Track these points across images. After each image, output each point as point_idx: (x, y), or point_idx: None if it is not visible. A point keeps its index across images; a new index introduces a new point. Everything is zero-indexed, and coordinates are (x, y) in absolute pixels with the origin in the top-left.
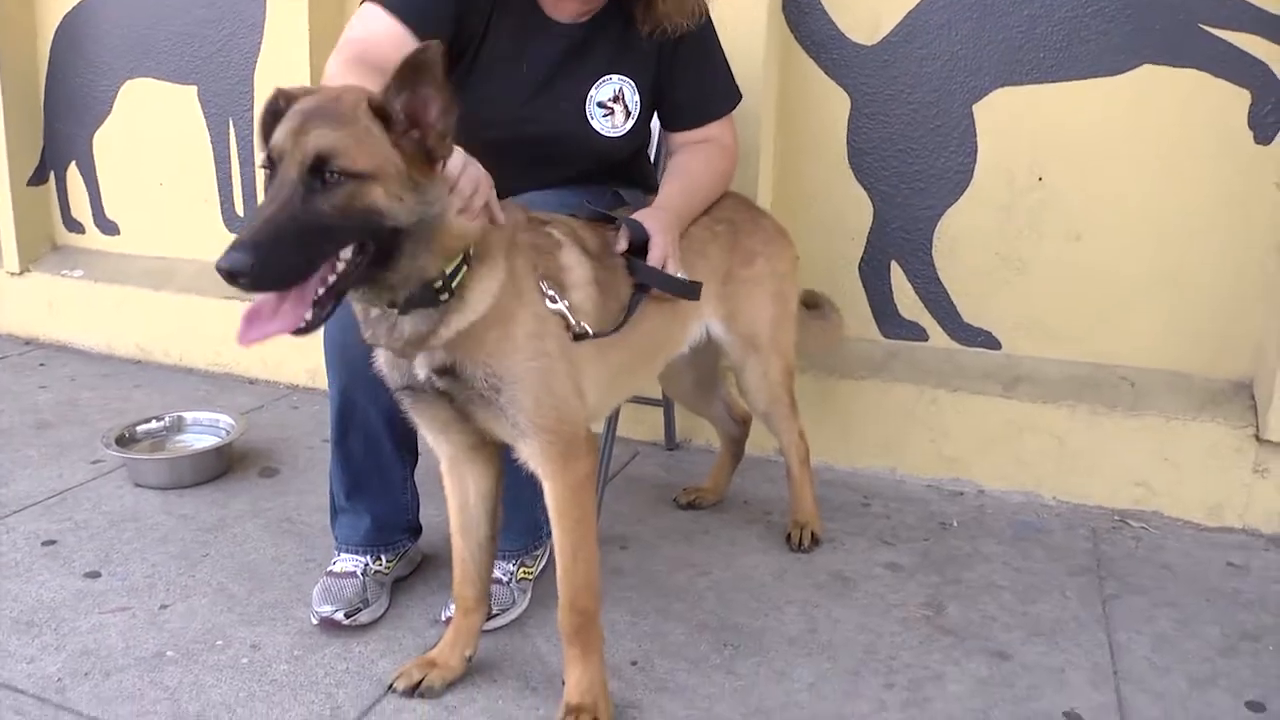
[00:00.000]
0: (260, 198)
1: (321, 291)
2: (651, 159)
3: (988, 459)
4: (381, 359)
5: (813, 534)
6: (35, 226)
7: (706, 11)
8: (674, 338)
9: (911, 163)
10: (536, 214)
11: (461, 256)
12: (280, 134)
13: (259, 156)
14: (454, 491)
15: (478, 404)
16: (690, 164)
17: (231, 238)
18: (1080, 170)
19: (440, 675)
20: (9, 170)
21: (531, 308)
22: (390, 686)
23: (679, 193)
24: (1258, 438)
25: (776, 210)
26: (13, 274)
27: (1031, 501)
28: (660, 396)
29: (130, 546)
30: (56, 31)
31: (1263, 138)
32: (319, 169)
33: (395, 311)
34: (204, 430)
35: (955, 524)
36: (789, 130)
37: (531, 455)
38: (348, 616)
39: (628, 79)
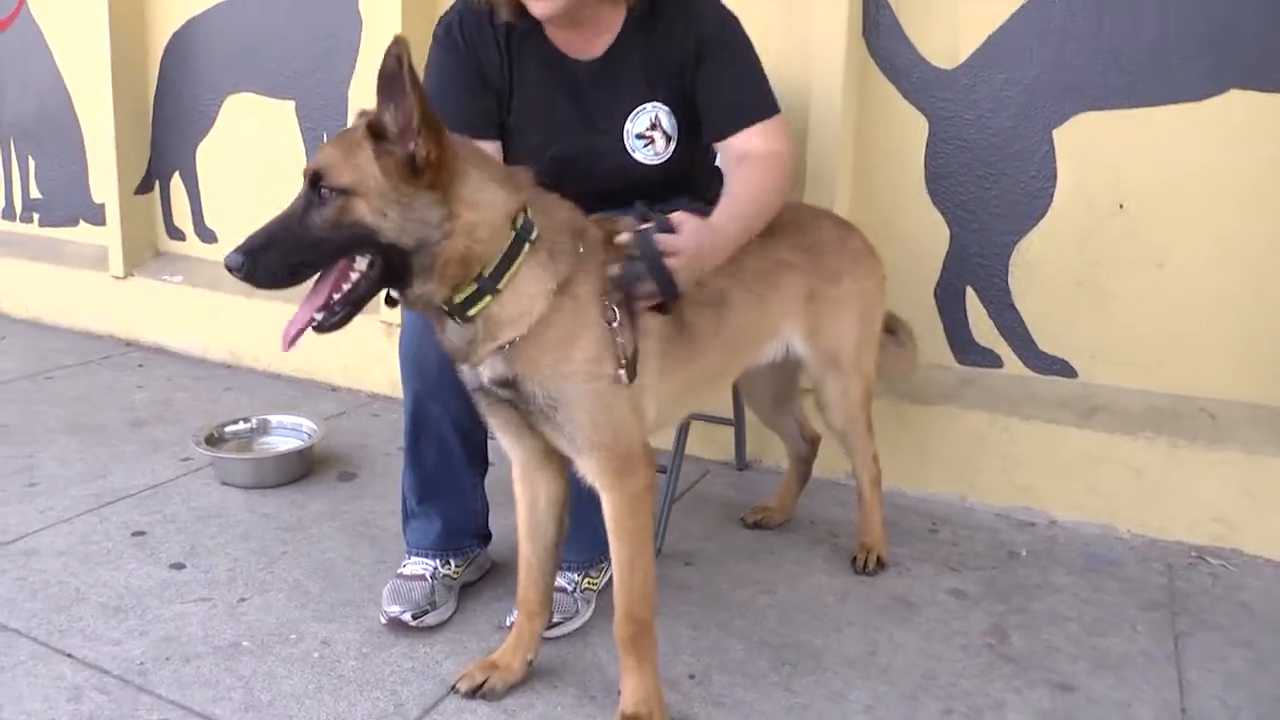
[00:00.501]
0: None
1: (336, 297)
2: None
3: (1061, 489)
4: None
5: (878, 558)
6: (140, 233)
7: (730, 21)
8: (746, 355)
9: (989, 188)
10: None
11: (476, 286)
12: None
13: None
14: (523, 495)
15: (537, 417)
16: (733, 185)
17: None
18: (1163, 197)
19: (502, 678)
20: (118, 179)
21: (592, 330)
22: (453, 687)
23: (721, 212)
24: None
25: None
26: (117, 278)
27: (1105, 534)
28: (731, 416)
29: (214, 541)
30: (165, 49)
31: None
32: (316, 184)
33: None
34: (288, 433)
35: (1024, 553)
36: (866, 153)
37: (589, 470)
38: (415, 618)
39: (661, 105)
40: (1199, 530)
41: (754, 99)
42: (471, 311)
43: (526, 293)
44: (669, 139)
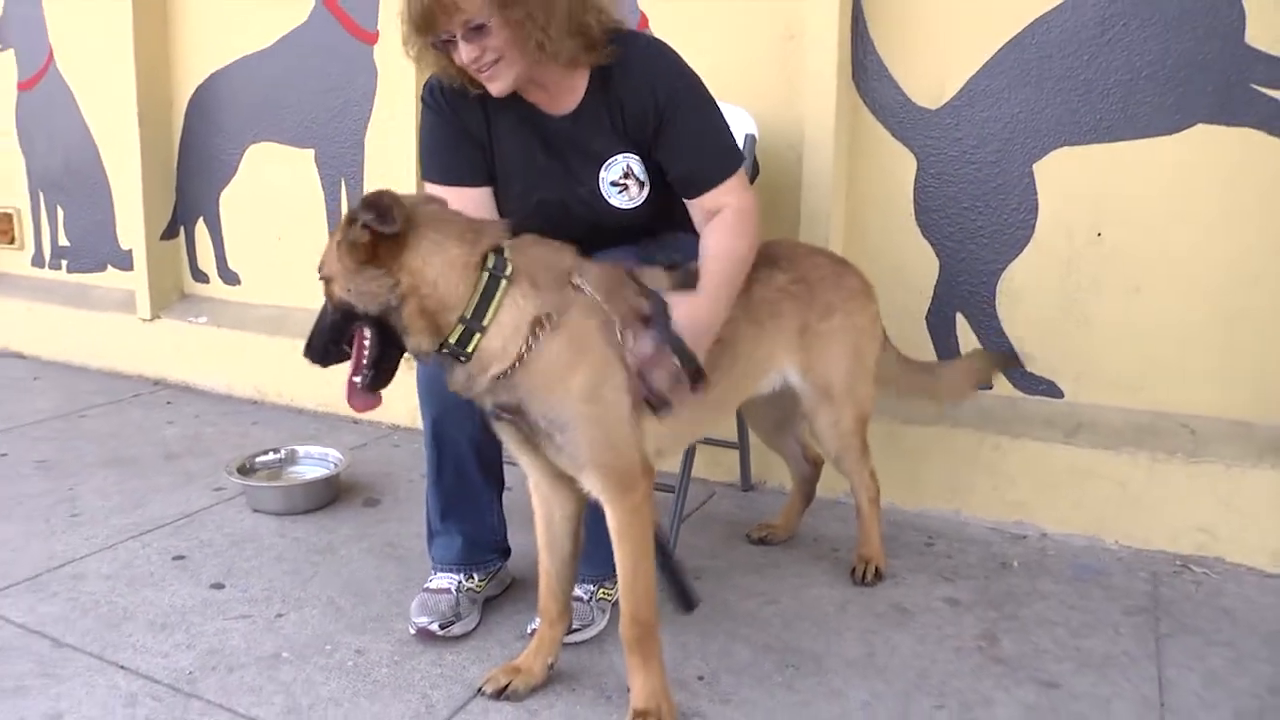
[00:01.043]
0: None
1: (364, 361)
2: None
3: (1050, 503)
4: None
5: (876, 569)
6: (166, 277)
7: (687, 78)
8: (745, 388)
9: (975, 219)
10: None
11: (463, 327)
12: None
13: None
14: (540, 510)
15: (541, 439)
16: (709, 249)
17: None
18: (1138, 225)
19: (524, 680)
20: (145, 226)
21: (587, 355)
22: (479, 690)
23: (707, 281)
24: None
25: None
26: (144, 320)
27: (1093, 545)
28: (736, 440)
29: (250, 563)
30: (190, 101)
31: None
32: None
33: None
34: (315, 462)
35: (1016, 564)
36: (859, 189)
37: (592, 485)
38: (442, 628)
39: (632, 155)
40: (1182, 540)
41: (715, 161)
42: (469, 349)
43: (510, 324)
44: (642, 185)
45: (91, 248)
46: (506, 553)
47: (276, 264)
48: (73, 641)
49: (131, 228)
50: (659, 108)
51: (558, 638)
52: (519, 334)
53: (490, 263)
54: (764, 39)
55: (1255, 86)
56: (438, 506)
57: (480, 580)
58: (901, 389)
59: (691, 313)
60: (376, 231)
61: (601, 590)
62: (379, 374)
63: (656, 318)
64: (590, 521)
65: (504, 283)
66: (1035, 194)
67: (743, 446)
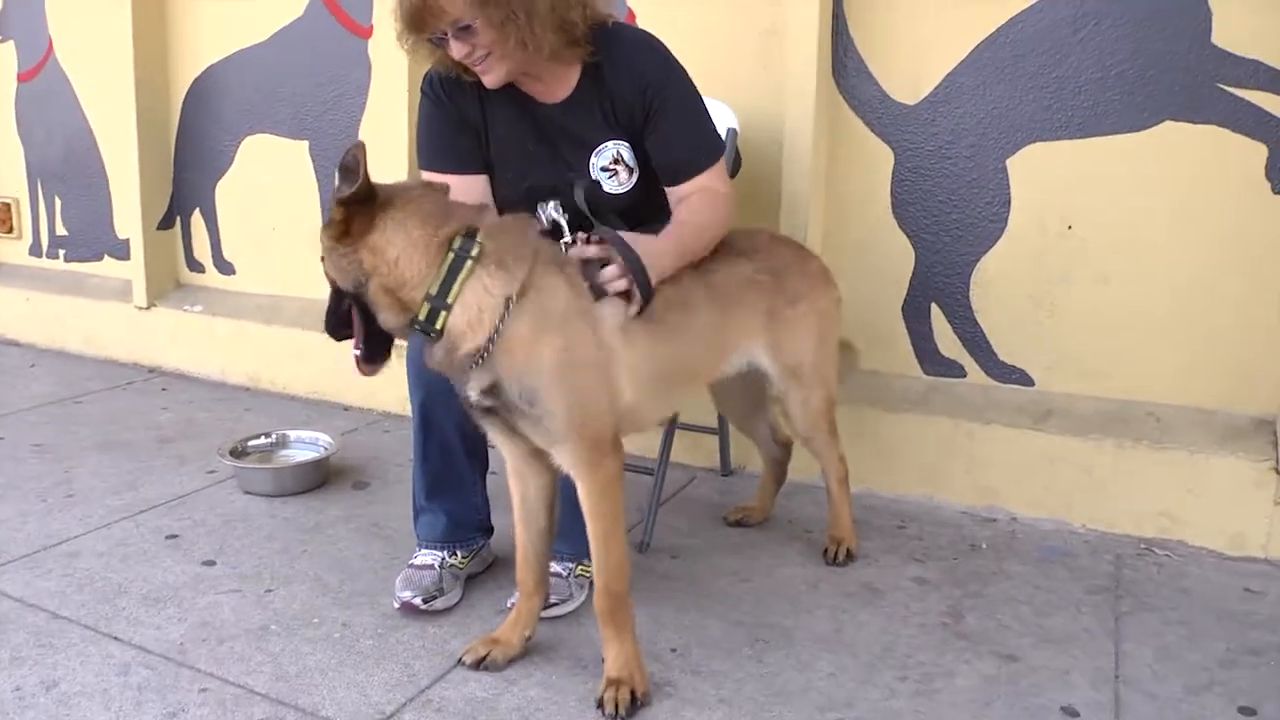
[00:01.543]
0: None
1: (358, 337)
2: None
3: (1020, 488)
4: None
5: (848, 550)
6: (162, 266)
7: (671, 69)
8: (712, 361)
9: (950, 213)
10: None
11: (430, 305)
12: None
13: None
14: (516, 488)
15: (517, 415)
16: (678, 214)
17: None
18: (1107, 219)
19: (502, 651)
20: (142, 216)
21: (557, 326)
22: (459, 660)
23: (664, 234)
24: (1278, 471)
25: (826, 256)
26: (140, 308)
27: (1061, 529)
28: (715, 425)
29: (240, 542)
30: (187, 93)
31: None
32: None
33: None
34: (305, 446)
35: (985, 546)
36: (837, 183)
37: (564, 458)
38: (425, 602)
39: (622, 142)
40: (1146, 524)
41: (698, 149)
42: (437, 325)
43: (475, 304)
44: (631, 171)
45: (89, 237)
46: (489, 531)
47: (271, 254)
48: (68, 615)
49: (129, 218)
50: (647, 98)
51: (535, 610)
52: (485, 313)
53: (457, 244)
54: (746, 35)
55: (1221, 86)
56: (423, 486)
57: (463, 557)
58: None
59: (645, 246)
60: (351, 210)
61: (580, 567)
62: (371, 348)
63: (609, 237)
64: (568, 502)
65: (470, 263)
66: (1008, 188)
67: (722, 432)
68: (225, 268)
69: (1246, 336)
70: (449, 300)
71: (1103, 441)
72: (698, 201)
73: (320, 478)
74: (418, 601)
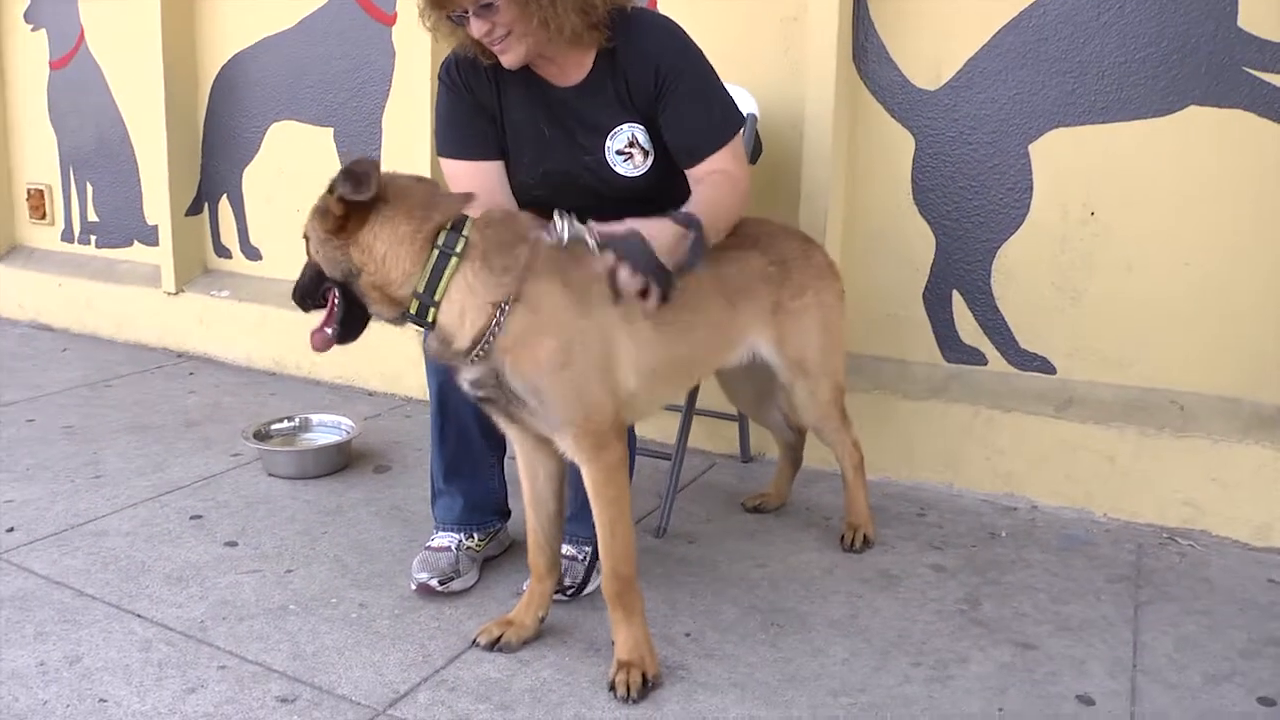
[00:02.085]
0: None
1: (333, 319)
2: None
3: (1041, 476)
4: None
5: (865, 536)
6: (190, 252)
7: (686, 50)
8: (715, 353)
9: (971, 199)
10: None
11: (419, 301)
12: None
13: None
14: (525, 473)
15: (517, 405)
16: (692, 200)
17: None
18: (1130, 205)
19: (516, 633)
20: (170, 202)
21: (555, 323)
22: (474, 641)
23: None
24: None
25: (846, 243)
26: (169, 294)
27: (1082, 517)
28: (735, 412)
29: (263, 523)
30: (215, 81)
31: None
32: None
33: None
34: (328, 430)
35: (1004, 534)
36: (858, 169)
37: (567, 447)
38: (441, 584)
39: (637, 125)
40: (1169, 513)
41: (714, 128)
42: (429, 320)
43: (459, 300)
44: (646, 154)
45: (119, 223)
46: (507, 515)
47: (297, 240)
48: (93, 592)
49: (158, 204)
50: (660, 79)
51: (547, 592)
52: (470, 310)
53: (441, 239)
54: (767, 21)
55: (1246, 69)
56: (441, 468)
57: (480, 540)
58: None
59: (657, 233)
60: (348, 204)
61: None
62: (345, 331)
63: (622, 233)
64: (582, 485)
65: (454, 259)
66: (1030, 174)
67: (742, 419)
68: (252, 253)
69: (1272, 323)
70: (436, 298)
71: (1125, 429)
72: (714, 186)
73: (342, 461)
74: (434, 583)
